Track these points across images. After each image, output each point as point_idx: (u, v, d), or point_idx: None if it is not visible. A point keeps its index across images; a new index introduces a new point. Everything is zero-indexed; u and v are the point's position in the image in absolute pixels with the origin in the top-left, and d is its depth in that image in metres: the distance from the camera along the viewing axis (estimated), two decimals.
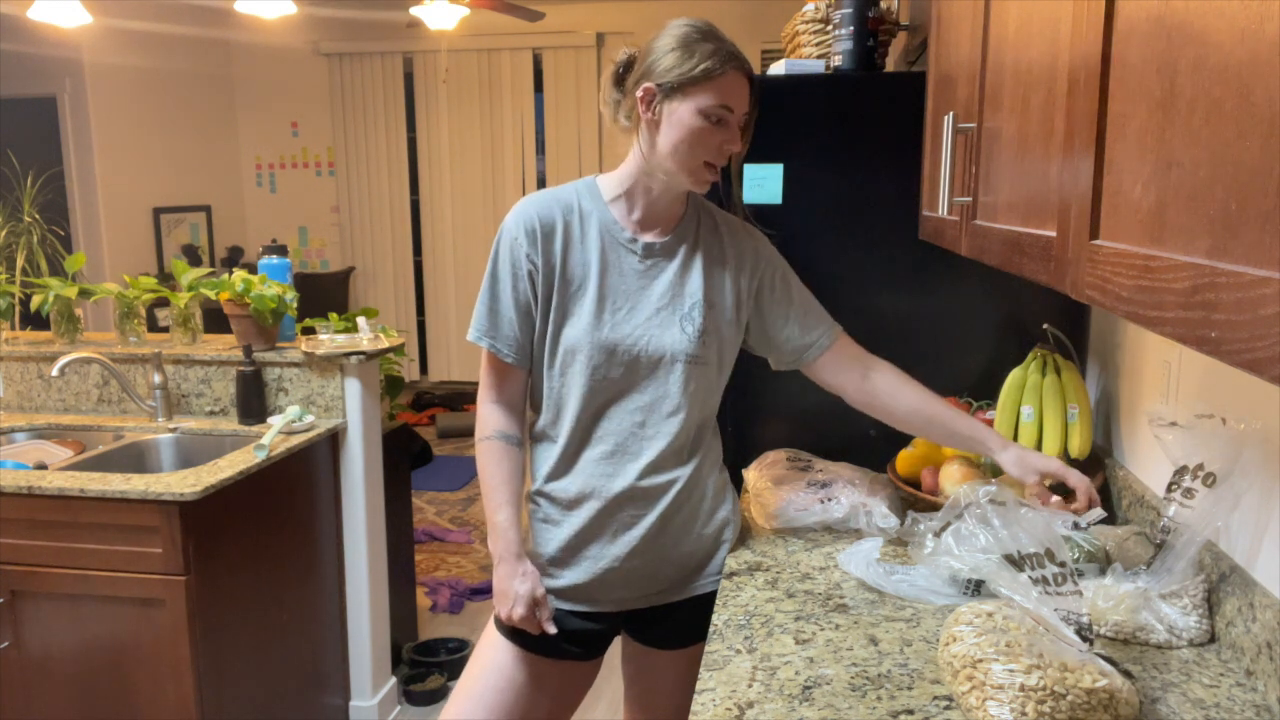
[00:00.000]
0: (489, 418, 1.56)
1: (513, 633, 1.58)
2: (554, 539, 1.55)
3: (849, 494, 1.70)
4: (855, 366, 1.61)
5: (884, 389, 1.59)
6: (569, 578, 1.56)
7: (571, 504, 1.53)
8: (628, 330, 1.48)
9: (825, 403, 1.98)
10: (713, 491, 1.59)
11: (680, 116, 1.41)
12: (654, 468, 1.51)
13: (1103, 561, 1.39)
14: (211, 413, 2.71)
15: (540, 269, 1.49)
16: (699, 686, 1.18)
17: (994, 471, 1.71)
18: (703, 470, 1.57)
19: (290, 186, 6.99)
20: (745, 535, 1.69)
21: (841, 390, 1.62)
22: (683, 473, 1.53)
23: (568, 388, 1.51)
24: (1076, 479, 1.43)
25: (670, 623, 1.61)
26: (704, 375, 1.52)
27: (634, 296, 1.49)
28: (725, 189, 1.58)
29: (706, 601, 1.56)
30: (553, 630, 1.54)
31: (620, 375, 1.48)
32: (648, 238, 1.52)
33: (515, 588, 1.53)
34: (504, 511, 1.53)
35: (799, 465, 1.81)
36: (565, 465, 1.53)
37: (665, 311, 1.49)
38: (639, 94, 1.44)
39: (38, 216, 2.94)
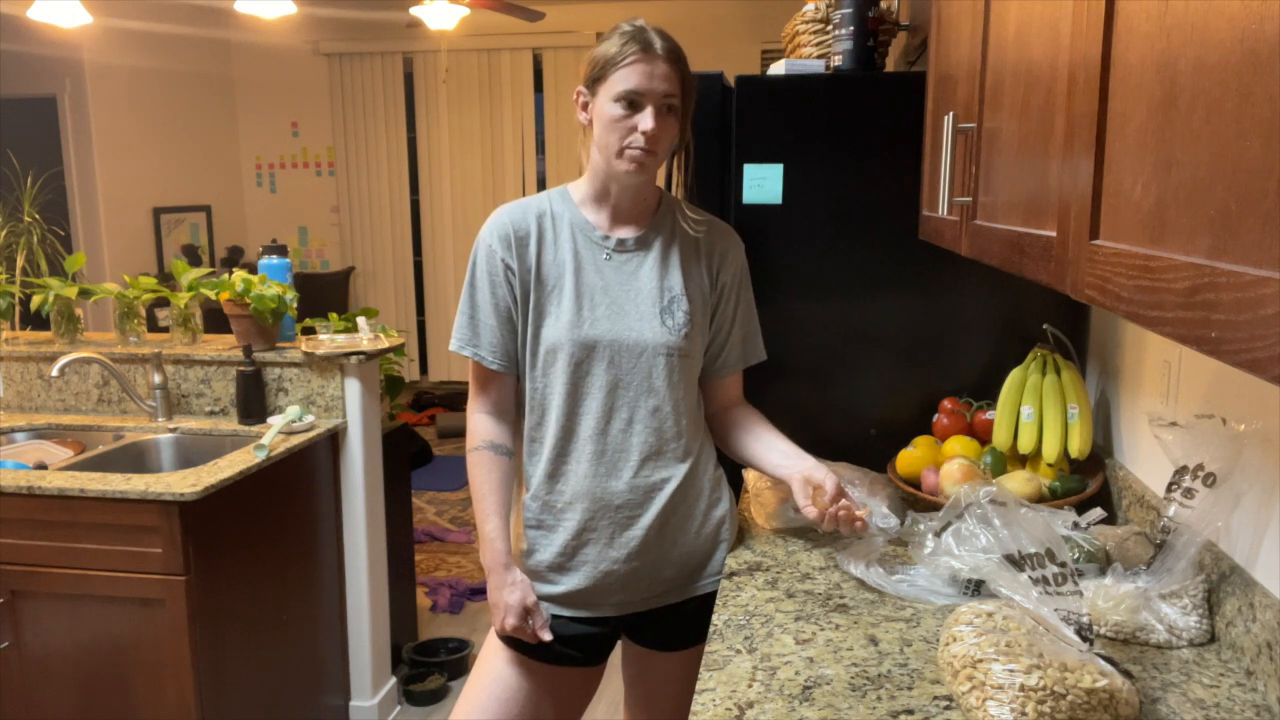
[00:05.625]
0: (477, 428, 1.58)
1: (513, 640, 1.58)
2: (552, 545, 1.55)
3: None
4: (734, 394, 1.69)
5: (738, 433, 1.66)
6: (569, 583, 1.55)
7: (566, 508, 1.53)
8: (607, 326, 1.49)
9: (825, 403, 1.99)
10: (709, 489, 1.59)
11: (599, 109, 1.47)
12: (646, 465, 1.51)
13: (1103, 561, 1.39)
14: (211, 413, 2.71)
15: (517, 273, 1.52)
16: (699, 686, 1.18)
17: (995, 472, 1.71)
18: (697, 468, 1.57)
19: (290, 186, 6.99)
20: (745, 535, 1.69)
21: (708, 415, 1.67)
22: (677, 470, 1.53)
23: (551, 388, 1.52)
24: (828, 483, 1.50)
25: (671, 624, 1.61)
26: (687, 368, 1.54)
27: (612, 292, 1.51)
28: (678, 180, 1.61)
29: (707, 602, 1.56)
30: (548, 638, 1.54)
31: (602, 371, 1.49)
32: (620, 234, 1.55)
33: (505, 598, 1.54)
34: (491, 522, 1.54)
35: None
36: (556, 468, 1.53)
37: (645, 306, 1.51)
38: (576, 101, 1.51)
39: (38, 216, 2.94)
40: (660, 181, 1.61)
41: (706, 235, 1.59)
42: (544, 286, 1.52)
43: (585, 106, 1.50)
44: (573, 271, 1.51)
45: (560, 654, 1.57)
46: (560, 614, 1.57)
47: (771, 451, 1.61)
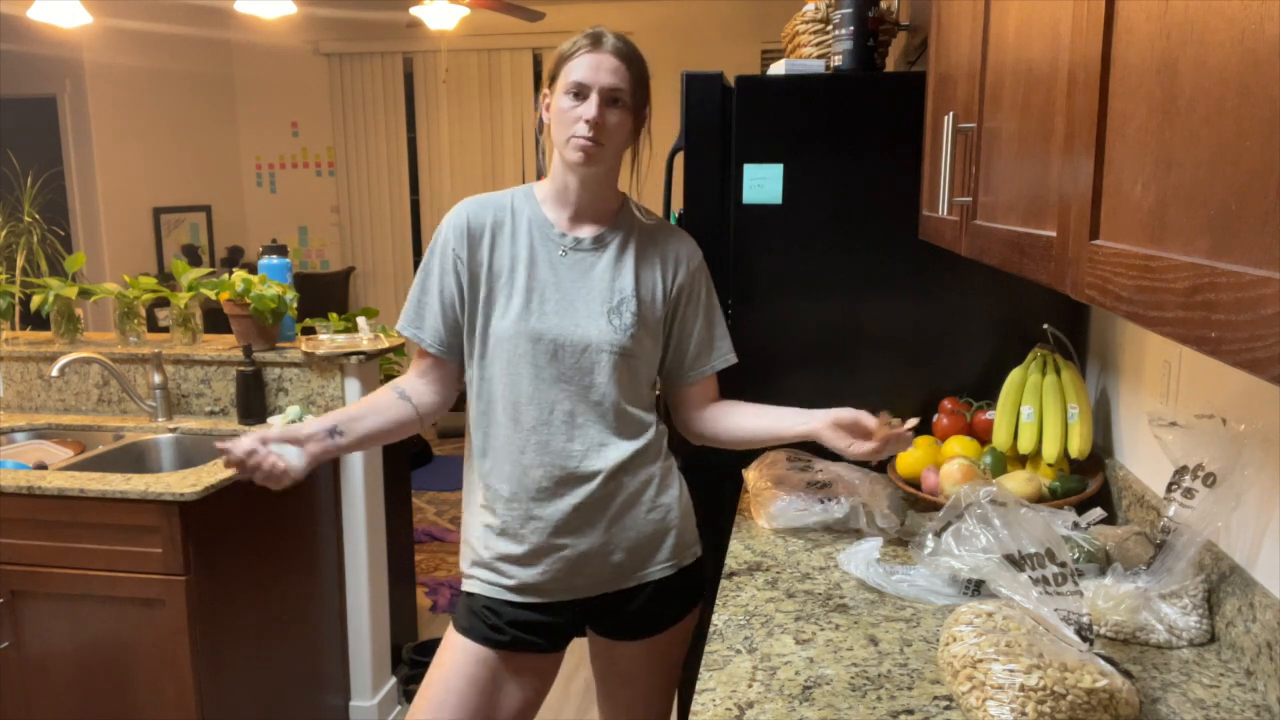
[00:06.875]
0: (397, 380, 1.66)
1: (470, 631, 1.59)
2: (503, 535, 1.57)
3: (849, 494, 1.70)
4: (711, 395, 1.70)
5: (732, 418, 1.67)
6: (523, 573, 1.57)
7: (513, 497, 1.55)
8: (554, 321, 1.53)
9: (825, 403, 1.98)
10: (659, 476, 1.61)
11: (554, 104, 1.53)
12: (590, 456, 1.54)
13: (1103, 561, 1.39)
14: (211, 413, 2.71)
15: (466, 264, 1.57)
16: (699, 686, 1.18)
17: (995, 472, 1.71)
18: (644, 458, 1.58)
19: (290, 186, 6.99)
20: (745, 535, 1.69)
21: (690, 418, 1.69)
22: (622, 460, 1.55)
23: (496, 379, 1.56)
24: (862, 415, 1.54)
25: (628, 613, 1.62)
26: (632, 367, 1.57)
27: (563, 289, 1.55)
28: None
29: (662, 588, 1.59)
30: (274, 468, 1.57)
31: (546, 364, 1.53)
32: (578, 233, 1.59)
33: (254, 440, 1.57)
34: (328, 415, 1.62)
35: (799, 465, 1.81)
36: (502, 459, 1.56)
37: (594, 304, 1.55)
38: (542, 101, 1.58)
39: (38, 216, 2.94)
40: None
41: (662, 240, 1.62)
42: (496, 279, 1.56)
43: (549, 107, 1.56)
44: (526, 266, 1.55)
45: (517, 639, 1.59)
46: (516, 600, 1.58)
47: (782, 419, 1.64)
